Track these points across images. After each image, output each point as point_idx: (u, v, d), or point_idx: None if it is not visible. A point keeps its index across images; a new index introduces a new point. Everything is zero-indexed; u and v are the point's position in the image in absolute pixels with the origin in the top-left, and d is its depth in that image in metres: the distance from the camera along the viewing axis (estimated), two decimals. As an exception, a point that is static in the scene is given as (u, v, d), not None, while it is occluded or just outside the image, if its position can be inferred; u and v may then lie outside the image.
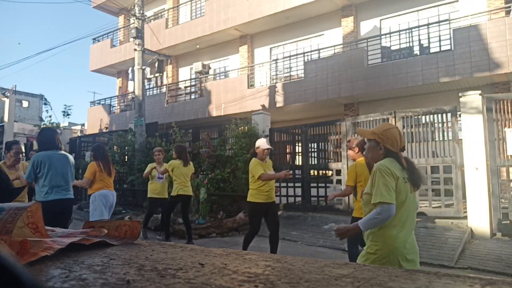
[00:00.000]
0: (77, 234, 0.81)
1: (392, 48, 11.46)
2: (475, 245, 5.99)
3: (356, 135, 8.41)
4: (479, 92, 6.66)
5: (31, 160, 3.92)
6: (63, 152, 4.13)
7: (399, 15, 11.99)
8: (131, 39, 13.20)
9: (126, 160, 11.91)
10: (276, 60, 13.69)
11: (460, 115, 6.96)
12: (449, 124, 7.22)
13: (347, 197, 8.16)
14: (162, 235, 6.83)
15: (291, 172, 5.75)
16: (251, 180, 5.03)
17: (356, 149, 4.27)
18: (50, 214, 3.59)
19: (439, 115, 7.42)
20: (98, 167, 5.14)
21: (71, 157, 4.20)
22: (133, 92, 13.13)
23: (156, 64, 13.39)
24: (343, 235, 2.24)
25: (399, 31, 11.03)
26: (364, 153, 2.42)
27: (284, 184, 9.26)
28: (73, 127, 24.07)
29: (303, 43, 14.00)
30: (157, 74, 14.05)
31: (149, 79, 16.46)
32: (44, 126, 14.16)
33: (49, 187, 3.84)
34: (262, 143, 5.09)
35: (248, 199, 5.08)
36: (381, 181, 2.09)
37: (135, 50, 11.52)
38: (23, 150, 4.46)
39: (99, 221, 0.90)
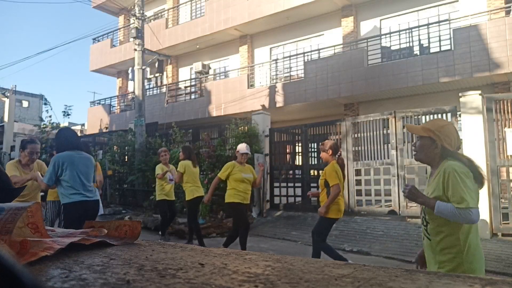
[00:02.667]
0: (77, 234, 0.81)
1: (392, 48, 11.47)
2: (475, 245, 5.99)
3: (356, 135, 8.43)
4: (479, 92, 6.66)
5: (52, 161, 3.75)
6: (84, 153, 3.96)
7: (399, 15, 12.00)
8: (131, 39, 13.20)
9: (126, 160, 11.91)
10: (276, 60, 13.70)
11: (460, 115, 6.96)
12: (449, 124, 7.22)
13: (347, 197, 8.17)
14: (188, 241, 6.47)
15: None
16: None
17: (330, 152, 4.51)
18: (76, 215, 3.57)
19: (439, 115, 7.42)
20: None
21: (92, 159, 4.07)
22: (133, 92, 13.13)
23: (156, 64, 13.40)
24: (413, 196, 2.03)
25: (399, 31, 11.03)
26: (414, 150, 2.17)
27: (284, 184, 9.27)
28: (73, 127, 24.06)
29: (303, 43, 14.00)
30: (157, 74, 14.07)
31: (149, 79, 16.47)
32: (44, 126, 14.16)
33: (73, 188, 3.69)
34: (241, 148, 5.42)
35: (226, 201, 5.40)
36: (462, 183, 1.88)
37: (135, 50, 11.52)
38: (38, 150, 4.29)
39: (98, 221, 0.90)
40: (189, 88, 15.63)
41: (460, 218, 1.86)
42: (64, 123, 17.30)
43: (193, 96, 15.27)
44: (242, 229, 5.35)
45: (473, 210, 1.85)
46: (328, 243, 4.70)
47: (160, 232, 7.06)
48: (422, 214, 2.07)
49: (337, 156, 4.57)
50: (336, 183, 4.34)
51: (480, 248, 1.97)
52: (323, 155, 4.59)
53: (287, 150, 10.15)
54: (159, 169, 6.62)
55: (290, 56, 13.12)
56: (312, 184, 8.82)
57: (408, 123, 2.00)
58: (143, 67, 11.65)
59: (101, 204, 5.22)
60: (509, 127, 6.47)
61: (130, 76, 15.01)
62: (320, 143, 4.90)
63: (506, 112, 6.52)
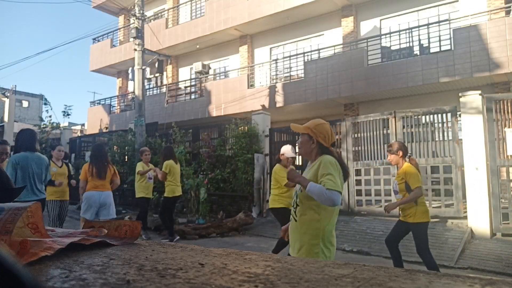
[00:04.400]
0: (77, 234, 0.81)
1: (392, 48, 11.46)
2: (475, 245, 5.99)
3: (356, 135, 8.42)
4: (479, 92, 6.66)
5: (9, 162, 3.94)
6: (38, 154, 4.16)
7: (399, 15, 11.99)
8: (131, 39, 13.19)
9: (126, 160, 11.90)
10: (276, 60, 13.69)
11: (460, 115, 6.96)
12: (449, 124, 7.23)
13: (346, 197, 8.18)
14: (167, 235, 6.85)
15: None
16: (274, 185, 5.11)
17: (400, 153, 4.20)
18: None
19: (439, 115, 7.42)
20: (88, 169, 5.23)
21: (45, 159, 4.25)
22: (133, 92, 13.13)
23: (156, 64, 13.39)
24: (292, 176, 2.35)
25: (399, 31, 11.03)
26: (298, 147, 2.45)
27: (284, 184, 9.26)
28: (73, 127, 24.07)
29: (303, 43, 14.00)
30: (157, 74, 14.05)
31: (149, 79, 16.46)
32: (44, 126, 14.17)
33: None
34: (286, 151, 5.00)
35: (270, 206, 5.23)
36: (332, 171, 2.20)
37: (135, 50, 11.52)
38: (8, 151, 4.35)
39: (98, 221, 0.90)
40: (189, 88, 15.63)
41: (325, 197, 2.12)
42: (64, 123, 17.31)
43: (193, 96, 15.27)
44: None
45: (338, 194, 2.14)
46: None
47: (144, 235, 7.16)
48: (294, 198, 2.36)
49: (408, 157, 4.27)
50: (419, 186, 4.05)
51: (334, 237, 2.32)
52: (392, 157, 4.25)
53: (287, 150, 10.13)
54: (140, 166, 6.96)
55: (290, 56, 13.12)
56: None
57: (294, 124, 2.08)
58: (143, 67, 11.64)
59: (114, 208, 5.34)
60: (509, 127, 6.47)
61: (130, 76, 15.00)
62: (387, 145, 4.53)
63: (506, 112, 6.52)
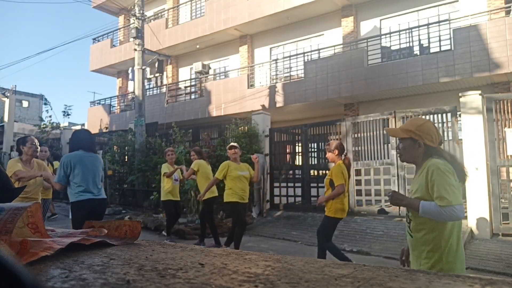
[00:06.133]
0: (77, 234, 0.81)
1: (392, 48, 11.46)
2: (475, 245, 5.99)
3: (356, 135, 8.42)
4: (479, 92, 6.66)
5: (61, 161, 3.86)
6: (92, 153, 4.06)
7: (399, 15, 11.99)
8: (131, 39, 13.20)
9: (126, 160, 11.90)
10: (276, 60, 13.69)
11: (460, 115, 6.96)
12: (449, 124, 7.23)
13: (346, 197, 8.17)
14: (204, 242, 6.39)
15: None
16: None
17: (336, 152, 4.49)
18: (83, 213, 3.65)
19: (439, 115, 7.42)
20: None
21: (100, 158, 4.17)
22: (133, 92, 13.13)
23: (156, 64, 13.38)
24: (397, 201, 2.07)
25: (399, 31, 11.03)
26: (398, 153, 2.21)
27: (284, 184, 9.26)
28: (73, 127, 24.04)
29: (303, 43, 14.00)
30: (157, 74, 14.04)
31: (149, 79, 16.46)
32: (44, 126, 14.17)
33: (81, 187, 3.78)
34: (228, 145, 5.65)
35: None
36: (445, 180, 1.89)
37: (135, 50, 11.52)
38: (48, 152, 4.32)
39: (99, 221, 0.90)
40: (189, 88, 15.63)
41: (444, 216, 1.87)
42: (64, 123, 17.33)
43: (193, 96, 15.27)
44: (238, 227, 5.42)
45: (457, 207, 1.86)
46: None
47: (164, 232, 7.04)
48: (406, 212, 2.12)
49: (343, 156, 4.58)
50: (341, 183, 4.38)
51: (462, 249, 1.99)
52: (329, 155, 4.57)
53: (287, 150, 10.15)
54: (165, 168, 6.60)
55: (290, 56, 13.12)
56: (312, 184, 8.82)
57: (389, 127, 2.01)
58: (143, 67, 11.64)
59: None
60: (509, 127, 6.47)
61: (130, 76, 15.00)
62: (326, 144, 4.93)
63: (506, 112, 6.52)
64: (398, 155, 2.25)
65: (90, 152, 3.96)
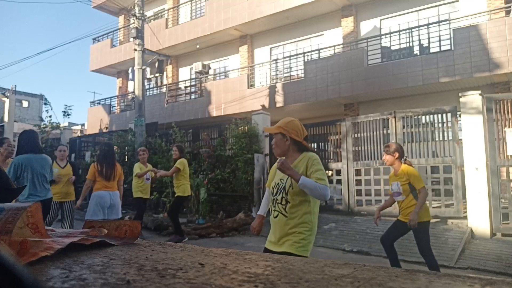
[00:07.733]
0: (77, 234, 0.81)
1: (392, 48, 11.47)
2: (475, 245, 5.99)
3: (356, 135, 8.42)
4: (479, 92, 6.66)
5: (11, 163, 4.01)
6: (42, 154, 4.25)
7: (399, 15, 11.99)
8: (131, 39, 13.20)
9: (126, 160, 11.91)
10: (276, 60, 13.69)
11: (460, 115, 6.96)
12: (449, 124, 7.23)
13: (346, 197, 8.18)
14: (173, 237, 6.55)
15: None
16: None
17: (396, 154, 4.16)
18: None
19: (439, 115, 7.42)
20: (95, 169, 5.21)
21: (48, 159, 4.34)
22: (133, 92, 13.13)
23: (156, 64, 13.38)
24: (284, 167, 2.29)
25: (399, 31, 11.03)
26: (273, 149, 2.56)
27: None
28: (73, 127, 24.04)
29: (303, 43, 14.00)
30: (157, 74, 14.05)
31: (149, 79, 16.46)
32: (44, 126, 14.17)
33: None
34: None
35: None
36: (321, 168, 2.34)
37: (135, 50, 11.52)
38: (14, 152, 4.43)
39: (98, 221, 0.90)
40: (189, 88, 15.63)
41: (319, 190, 2.24)
42: (64, 123, 17.32)
43: (193, 96, 15.27)
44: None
45: (328, 188, 2.30)
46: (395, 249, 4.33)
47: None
48: (283, 195, 2.39)
49: (404, 159, 4.24)
50: (423, 186, 4.05)
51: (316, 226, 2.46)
52: (387, 158, 4.19)
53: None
54: (137, 167, 6.81)
55: (290, 56, 13.12)
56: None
57: (266, 127, 2.33)
58: (143, 67, 11.64)
59: (120, 208, 5.37)
60: (509, 127, 6.47)
61: (130, 76, 15.01)
62: (384, 146, 4.48)
63: (506, 112, 6.52)
64: (273, 151, 2.60)
65: (38, 153, 4.11)
